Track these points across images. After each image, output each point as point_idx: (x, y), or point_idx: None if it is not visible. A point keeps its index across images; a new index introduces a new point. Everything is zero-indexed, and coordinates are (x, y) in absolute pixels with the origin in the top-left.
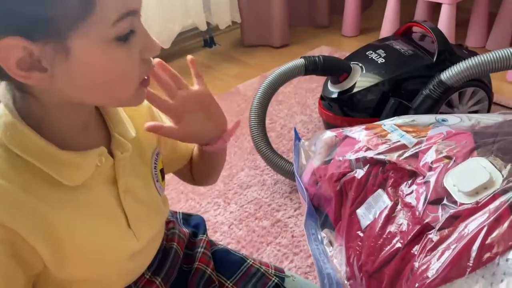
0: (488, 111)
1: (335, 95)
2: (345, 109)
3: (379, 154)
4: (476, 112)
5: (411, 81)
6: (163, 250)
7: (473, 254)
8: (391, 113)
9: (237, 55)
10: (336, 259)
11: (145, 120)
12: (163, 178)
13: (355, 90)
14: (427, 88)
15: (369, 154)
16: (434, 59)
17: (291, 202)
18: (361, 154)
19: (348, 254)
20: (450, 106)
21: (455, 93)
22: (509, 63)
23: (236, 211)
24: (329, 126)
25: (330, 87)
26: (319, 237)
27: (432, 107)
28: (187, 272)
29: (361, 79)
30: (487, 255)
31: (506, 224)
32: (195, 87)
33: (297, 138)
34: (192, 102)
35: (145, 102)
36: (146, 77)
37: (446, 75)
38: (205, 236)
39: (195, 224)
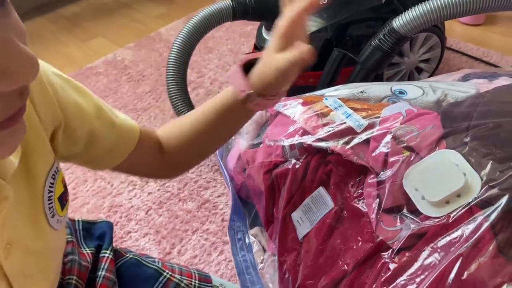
0: (441, 58)
1: None
2: None
3: (319, 140)
4: (427, 60)
5: (357, 26)
6: None
7: None
8: (334, 67)
9: None
10: (268, 274)
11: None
12: (63, 206)
13: None
14: (376, 38)
15: (307, 140)
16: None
17: (221, 176)
18: (296, 139)
19: (282, 270)
20: (400, 55)
21: None
22: (477, 5)
23: (156, 192)
24: None
25: (265, 34)
26: (248, 241)
27: (382, 61)
28: None
29: None
30: None
31: (488, 253)
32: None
33: None
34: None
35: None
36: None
37: (398, 22)
38: (108, 251)
39: (100, 234)
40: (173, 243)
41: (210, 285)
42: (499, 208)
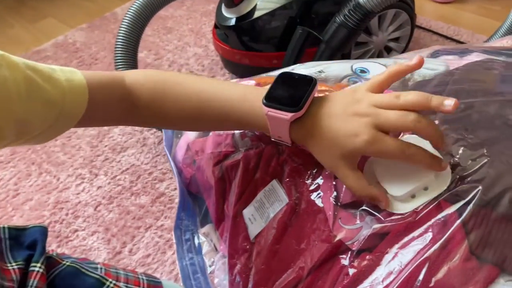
0: (410, 37)
1: (231, 22)
2: (245, 41)
3: None
4: (397, 39)
5: (323, 3)
6: None
7: None
8: (298, 47)
9: None
10: (218, 278)
11: None
12: None
13: (255, 15)
14: (340, 14)
15: None
16: None
17: None
18: None
19: (232, 274)
20: (368, 33)
21: (374, 18)
22: None
23: (106, 186)
24: (227, 63)
25: (225, 12)
26: (197, 242)
27: (347, 39)
28: None
29: (263, 1)
30: None
31: (458, 256)
32: None
33: None
34: None
35: None
36: None
37: None
38: (39, 264)
39: (31, 242)
40: (124, 242)
41: None
42: (472, 203)
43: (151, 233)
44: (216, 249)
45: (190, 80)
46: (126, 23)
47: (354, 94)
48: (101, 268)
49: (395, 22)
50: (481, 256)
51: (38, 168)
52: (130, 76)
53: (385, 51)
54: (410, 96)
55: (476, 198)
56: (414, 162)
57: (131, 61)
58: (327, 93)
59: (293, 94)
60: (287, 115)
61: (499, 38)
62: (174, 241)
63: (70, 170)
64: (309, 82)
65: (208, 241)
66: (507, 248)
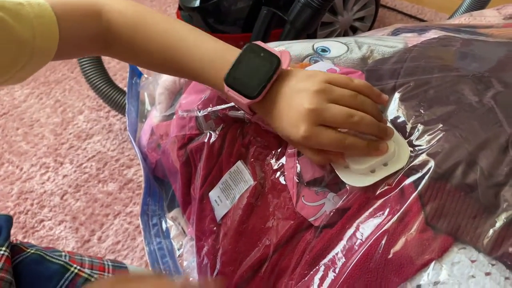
0: (375, 16)
1: (195, 3)
2: (210, 22)
3: (235, 108)
4: (362, 19)
5: None
6: None
7: (370, 277)
8: (264, 28)
9: None
10: (187, 261)
11: None
12: None
13: None
14: None
15: (222, 108)
16: None
17: None
18: (211, 108)
19: (200, 256)
20: (334, 13)
21: None
22: None
23: (72, 174)
24: None
25: None
26: (165, 226)
27: (312, 19)
28: None
29: None
30: (391, 279)
31: (414, 228)
32: None
33: (136, 73)
34: None
35: None
36: None
37: None
38: (4, 248)
39: None
40: (93, 230)
41: None
42: (427, 176)
43: (120, 220)
44: (184, 232)
45: (162, 27)
46: None
47: (310, 72)
48: (65, 255)
49: (359, 2)
50: (436, 226)
51: (0, 159)
52: (109, 11)
53: (351, 31)
54: (362, 82)
55: (431, 172)
56: (352, 152)
57: None
58: None
59: (254, 76)
60: (245, 100)
61: (458, 16)
62: (141, 226)
63: (34, 159)
64: (272, 62)
65: (176, 225)
66: (460, 218)
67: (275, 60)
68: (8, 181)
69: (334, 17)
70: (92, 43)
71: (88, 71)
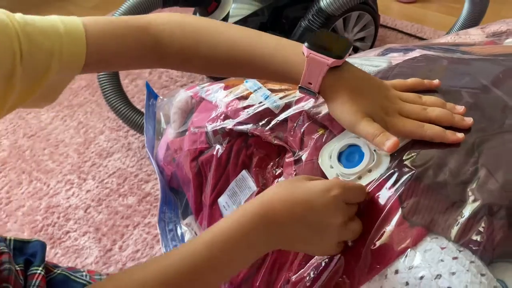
0: (375, 36)
1: None
2: None
3: (240, 124)
4: (363, 39)
5: (292, 8)
6: None
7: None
8: None
9: None
10: None
11: None
12: None
13: (229, 22)
14: (305, 19)
15: (228, 124)
16: None
17: None
18: (219, 124)
19: None
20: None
21: (340, 20)
22: None
23: (95, 189)
24: None
25: None
26: (180, 231)
27: None
28: None
29: (235, 8)
30: (373, 266)
31: (394, 221)
32: None
33: (153, 95)
34: None
35: None
36: None
37: (325, 1)
38: (40, 268)
39: (32, 253)
40: (114, 240)
41: None
42: (404, 177)
43: (139, 230)
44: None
45: (221, 29)
46: None
47: (382, 81)
48: (86, 275)
49: (359, 23)
50: (412, 220)
51: (29, 176)
52: (157, 25)
53: (353, 51)
54: (432, 99)
55: (407, 174)
56: (430, 138)
57: (114, 74)
58: (286, 91)
59: (333, 46)
60: (329, 60)
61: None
62: (158, 232)
63: (59, 176)
64: (346, 41)
65: (189, 230)
66: (433, 212)
67: (347, 40)
68: (36, 196)
69: None
70: (140, 56)
71: (108, 95)
